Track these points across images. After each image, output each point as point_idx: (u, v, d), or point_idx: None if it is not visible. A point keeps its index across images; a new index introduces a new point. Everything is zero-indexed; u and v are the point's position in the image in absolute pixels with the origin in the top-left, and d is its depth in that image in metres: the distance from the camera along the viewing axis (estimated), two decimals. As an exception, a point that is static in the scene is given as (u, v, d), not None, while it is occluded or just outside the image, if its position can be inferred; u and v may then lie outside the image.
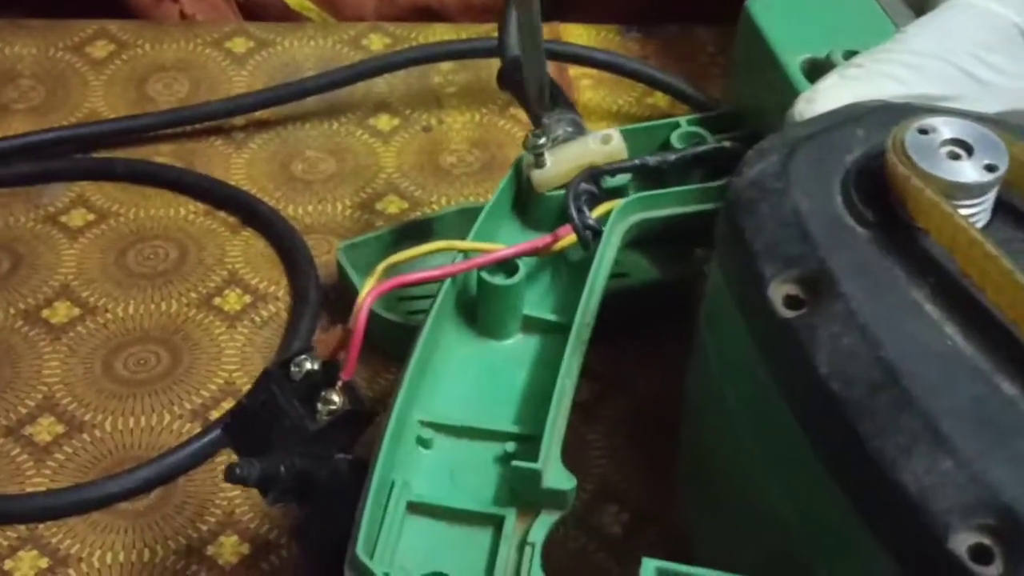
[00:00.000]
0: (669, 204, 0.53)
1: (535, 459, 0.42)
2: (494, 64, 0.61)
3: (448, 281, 0.47)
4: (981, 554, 0.32)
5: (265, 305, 0.61)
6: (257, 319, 0.61)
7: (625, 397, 0.58)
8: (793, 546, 0.39)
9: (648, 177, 0.55)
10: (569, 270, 0.50)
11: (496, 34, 0.61)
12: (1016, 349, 0.36)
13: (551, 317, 0.48)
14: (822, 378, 0.35)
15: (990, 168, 0.38)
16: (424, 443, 0.44)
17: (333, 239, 0.64)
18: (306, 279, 0.61)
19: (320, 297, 0.61)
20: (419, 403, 0.45)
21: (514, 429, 0.44)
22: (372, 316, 0.57)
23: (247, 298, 0.62)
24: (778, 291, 0.38)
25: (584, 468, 0.55)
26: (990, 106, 0.47)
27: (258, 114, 0.70)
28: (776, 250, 0.38)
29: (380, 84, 0.71)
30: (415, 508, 0.42)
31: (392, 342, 0.58)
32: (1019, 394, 0.35)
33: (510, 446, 0.44)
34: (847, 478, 0.35)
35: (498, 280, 0.47)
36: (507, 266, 0.48)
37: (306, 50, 0.74)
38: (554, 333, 0.48)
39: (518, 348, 0.48)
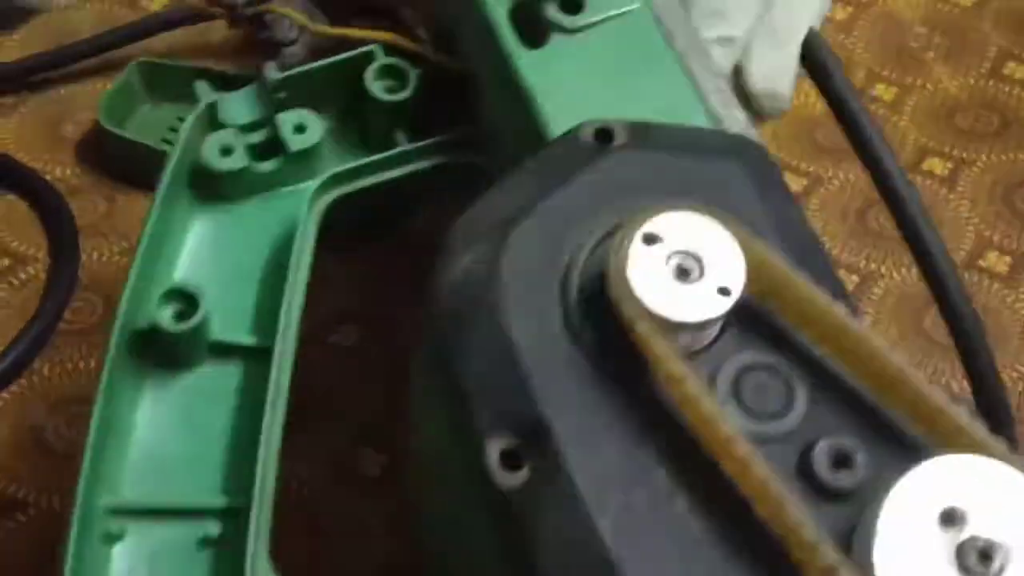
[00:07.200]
0: (373, 172, 0.47)
1: (243, 542, 0.37)
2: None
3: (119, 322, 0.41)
4: None
5: (24, 267, 0.60)
6: (15, 281, 0.59)
7: (386, 339, 0.57)
8: None
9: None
10: (262, 281, 0.44)
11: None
12: (750, 531, 0.30)
13: (246, 340, 0.43)
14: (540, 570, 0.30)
15: (723, 291, 0.31)
16: (114, 538, 0.39)
17: (100, 201, 0.62)
18: (65, 239, 0.60)
19: (79, 256, 0.59)
20: (105, 484, 0.39)
21: (217, 503, 0.39)
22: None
23: (6, 260, 0.60)
24: (495, 448, 0.31)
25: (344, 413, 0.55)
26: None
27: (32, 80, 0.68)
28: (490, 394, 0.32)
29: (157, 43, 0.69)
30: None
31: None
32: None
33: (213, 528, 0.39)
34: None
35: None
36: None
37: (81, 14, 0.72)
38: (252, 359, 0.42)
39: (209, 380, 0.42)
